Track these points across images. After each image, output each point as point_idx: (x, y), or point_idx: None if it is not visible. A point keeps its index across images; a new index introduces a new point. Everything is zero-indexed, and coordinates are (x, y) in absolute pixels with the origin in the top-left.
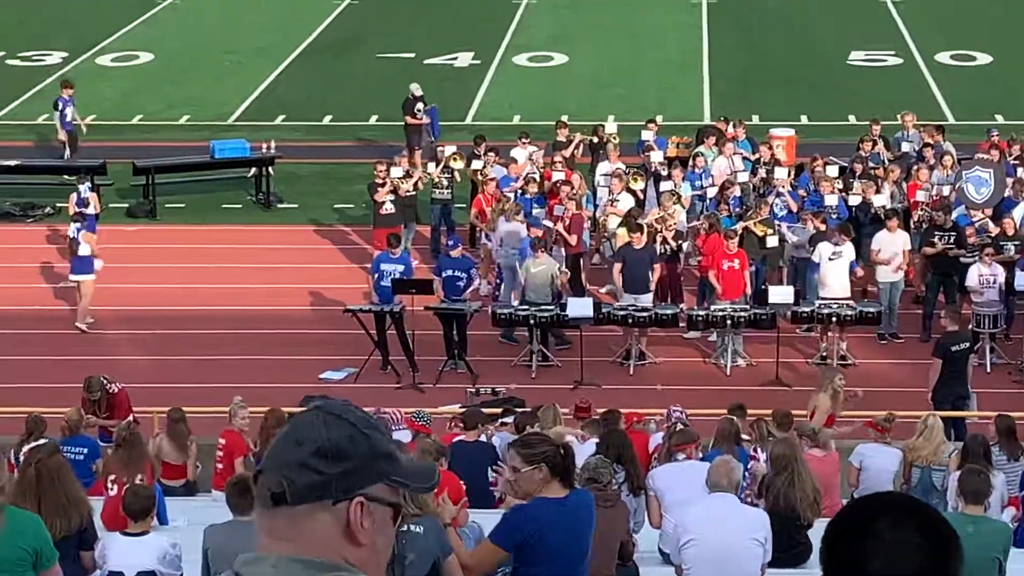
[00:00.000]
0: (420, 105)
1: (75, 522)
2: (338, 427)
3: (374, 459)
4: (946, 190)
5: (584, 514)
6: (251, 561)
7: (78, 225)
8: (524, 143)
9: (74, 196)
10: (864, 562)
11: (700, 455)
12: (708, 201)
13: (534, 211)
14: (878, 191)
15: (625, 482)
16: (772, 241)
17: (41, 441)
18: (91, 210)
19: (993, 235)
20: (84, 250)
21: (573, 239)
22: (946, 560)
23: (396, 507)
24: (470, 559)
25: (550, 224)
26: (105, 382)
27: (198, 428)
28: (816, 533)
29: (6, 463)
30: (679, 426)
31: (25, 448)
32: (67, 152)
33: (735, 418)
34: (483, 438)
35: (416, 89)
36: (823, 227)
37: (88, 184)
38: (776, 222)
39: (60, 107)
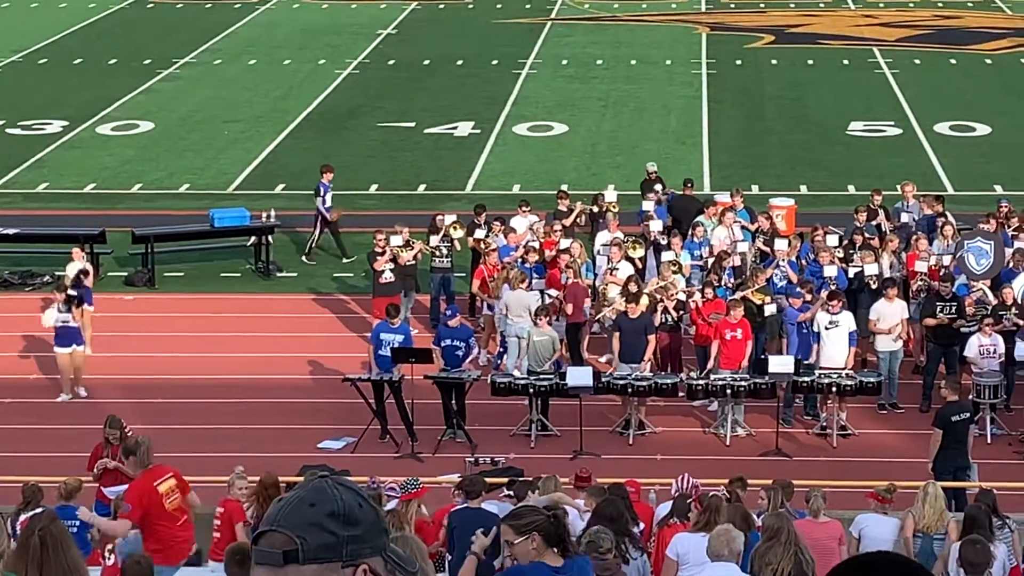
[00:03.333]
0: (659, 186)
1: None
2: (348, 494)
3: (378, 530)
4: (946, 260)
5: None
6: None
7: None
8: (524, 212)
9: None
10: None
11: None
12: (704, 272)
13: (534, 281)
14: (875, 260)
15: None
16: (769, 309)
17: (38, 510)
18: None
19: (992, 305)
20: (74, 322)
21: (569, 308)
22: None
23: None
24: None
25: (553, 293)
26: (124, 424)
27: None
28: None
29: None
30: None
31: (22, 517)
32: (318, 233)
33: (736, 492)
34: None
35: (652, 168)
36: (808, 297)
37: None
38: (776, 293)
39: (322, 192)
